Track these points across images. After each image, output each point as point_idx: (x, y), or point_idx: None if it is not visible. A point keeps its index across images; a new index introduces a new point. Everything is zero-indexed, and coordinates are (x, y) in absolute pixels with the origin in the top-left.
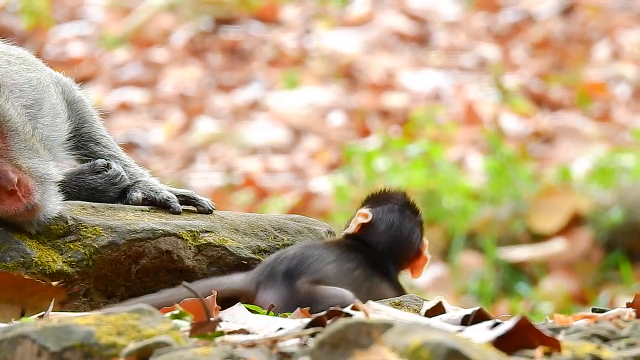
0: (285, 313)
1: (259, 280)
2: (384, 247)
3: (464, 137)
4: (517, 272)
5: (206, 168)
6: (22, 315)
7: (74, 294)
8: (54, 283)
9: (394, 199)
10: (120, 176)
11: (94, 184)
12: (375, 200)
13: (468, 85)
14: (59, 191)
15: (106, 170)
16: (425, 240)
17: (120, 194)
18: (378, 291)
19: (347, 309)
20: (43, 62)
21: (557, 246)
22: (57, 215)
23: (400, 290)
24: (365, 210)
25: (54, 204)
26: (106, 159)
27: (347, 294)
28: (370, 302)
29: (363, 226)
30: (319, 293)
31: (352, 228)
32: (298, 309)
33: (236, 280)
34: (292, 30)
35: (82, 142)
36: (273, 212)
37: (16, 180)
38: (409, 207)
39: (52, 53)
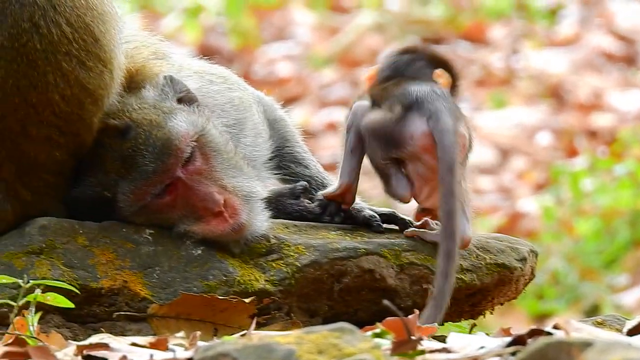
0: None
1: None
2: None
3: None
4: None
5: None
6: (215, 333)
7: (274, 315)
8: (246, 300)
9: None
10: (317, 215)
11: (290, 210)
12: None
13: None
14: (265, 208)
15: (305, 196)
16: None
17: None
18: None
19: (548, 328)
20: (249, 82)
21: None
22: (263, 233)
23: None
24: None
25: (260, 222)
26: (307, 180)
27: None
28: (571, 321)
29: None
30: None
31: None
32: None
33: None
34: (500, 50)
35: (283, 162)
36: (479, 231)
37: (222, 202)
38: None
39: (259, 73)
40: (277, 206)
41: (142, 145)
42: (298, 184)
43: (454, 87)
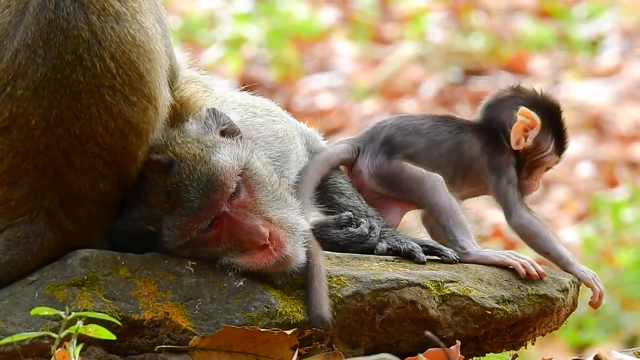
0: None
1: (359, 146)
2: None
3: None
4: None
5: None
6: None
7: (315, 346)
8: (288, 332)
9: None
10: (365, 236)
11: (336, 239)
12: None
13: None
14: (309, 241)
15: (350, 226)
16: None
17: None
18: (470, 160)
19: (589, 358)
20: (290, 113)
21: None
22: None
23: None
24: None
25: (305, 254)
26: (350, 211)
27: (427, 176)
28: (612, 351)
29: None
30: (409, 171)
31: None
32: None
33: (341, 148)
34: (541, 81)
35: (326, 193)
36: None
37: (267, 235)
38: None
39: (301, 104)
40: (323, 237)
41: (186, 181)
42: (343, 214)
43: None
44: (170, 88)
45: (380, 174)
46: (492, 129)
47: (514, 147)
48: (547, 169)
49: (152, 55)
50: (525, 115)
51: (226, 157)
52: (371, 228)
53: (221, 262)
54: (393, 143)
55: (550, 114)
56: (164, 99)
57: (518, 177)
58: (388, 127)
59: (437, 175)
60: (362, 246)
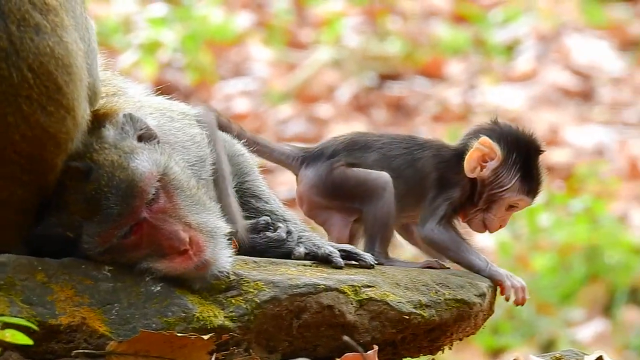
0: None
1: (304, 157)
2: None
3: (627, 192)
4: None
5: None
6: None
7: (232, 351)
8: (205, 337)
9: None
10: (283, 241)
11: (254, 243)
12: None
13: (631, 140)
14: (228, 244)
15: (268, 230)
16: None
17: (281, 256)
18: (422, 176)
19: None
20: None
21: None
22: (228, 270)
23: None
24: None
25: (225, 258)
26: (268, 215)
27: (382, 174)
28: (530, 356)
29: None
30: (352, 174)
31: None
32: None
33: (285, 152)
34: (457, 86)
35: (244, 197)
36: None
37: (187, 239)
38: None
39: (216, 108)
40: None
41: (105, 188)
42: (261, 218)
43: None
44: (91, 105)
45: (323, 183)
46: (458, 153)
47: (467, 174)
48: (512, 207)
49: (71, 68)
50: (483, 145)
51: (144, 162)
52: (289, 232)
53: (140, 267)
54: (339, 155)
55: (522, 152)
56: (83, 111)
57: (474, 208)
58: (338, 143)
59: (384, 174)
60: (280, 251)
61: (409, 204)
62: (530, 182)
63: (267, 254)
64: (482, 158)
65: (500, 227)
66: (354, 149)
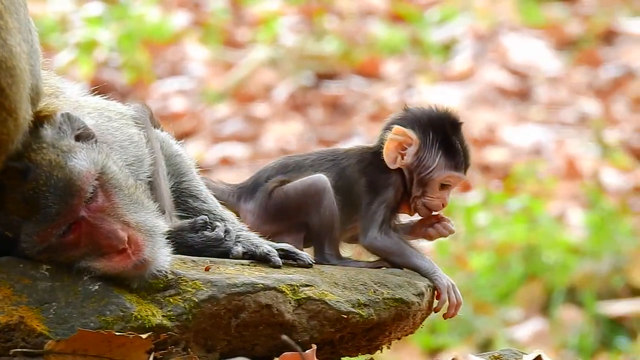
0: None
1: (240, 192)
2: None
3: (564, 191)
4: (617, 326)
5: None
6: None
7: (171, 350)
8: (143, 336)
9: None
10: (221, 240)
11: (192, 242)
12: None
13: (569, 140)
14: (167, 243)
15: (206, 229)
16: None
17: (220, 255)
18: (351, 183)
19: None
20: None
21: None
22: (166, 269)
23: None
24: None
25: (163, 257)
26: (205, 214)
27: (317, 177)
28: (469, 355)
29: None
30: (290, 188)
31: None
32: None
33: (220, 189)
34: (394, 85)
35: (181, 197)
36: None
37: (126, 238)
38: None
39: (153, 108)
40: (178, 241)
41: (43, 187)
42: (199, 217)
43: None
44: (33, 106)
45: (265, 209)
46: (379, 152)
47: (390, 166)
48: (446, 186)
49: (14, 71)
50: (397, 134)
51: (82, 161)
52: (227, 232)
53: (78, 267)
54: (274, 178)
55: (438, 130)
56: (25, 112)
57: (411, 196)
58: (270, 169)
59: (319, 175)
60: (218, 250)
61: (350, 214)
62: (454, 157)
63: (206, 254)
64: (399, 147)
65: (444, 205)
66: (287, 171)
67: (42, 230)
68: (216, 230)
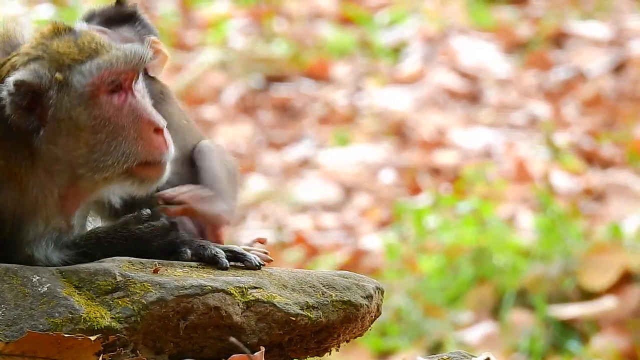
0: None
1: None
2: None
3: (514, 194)
4: (568, 329)
5: (257, 225)
6: None
7: (119, 352)
8: (91, 338)
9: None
10: (167, 228)
11: (139, 233)
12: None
13: (519, 142)
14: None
15: (151, 220)
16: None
17: (166, 248)
18: None
19: None
20: None
21: (607, 304)
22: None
23: None
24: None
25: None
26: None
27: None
28: (418, 358)
29: None
30: None
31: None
32: None
33: None
34: (343, 88)
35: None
36: (323, 269)
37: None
38: None
39: None
40: (125, 234)
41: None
42: (143, 210)
43: None
44: None
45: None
46: None
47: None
48: None
49: None
50: None
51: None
52: (173, 223)
53: (120, 152)
54: None
55: None
56: None
57: None
58: None
59: None
60: (165, 240)
61: None
62: None
63: (153, 244)
64: None
65: None
66: None
67: (99, 73)
68: (161, 219)
